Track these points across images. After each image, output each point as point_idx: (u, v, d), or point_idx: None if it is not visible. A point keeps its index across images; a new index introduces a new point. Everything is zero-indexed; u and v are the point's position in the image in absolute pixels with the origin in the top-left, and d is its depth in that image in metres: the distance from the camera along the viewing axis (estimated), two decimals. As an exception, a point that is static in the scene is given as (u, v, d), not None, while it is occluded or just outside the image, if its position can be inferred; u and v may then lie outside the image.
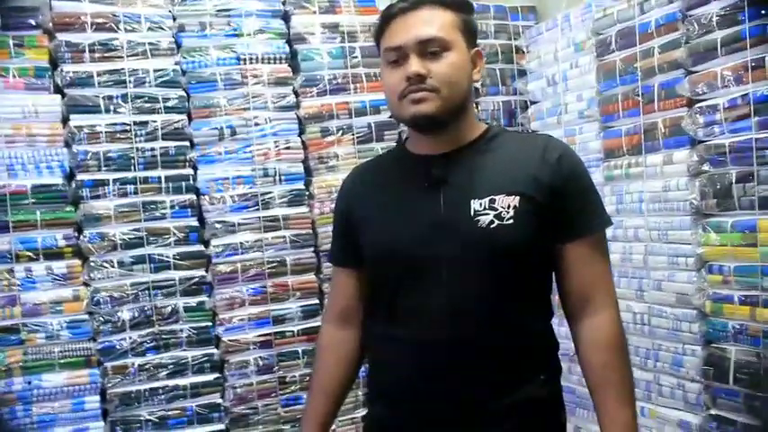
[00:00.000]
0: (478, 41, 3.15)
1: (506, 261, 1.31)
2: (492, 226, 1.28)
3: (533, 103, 3.18)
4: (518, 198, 1.30)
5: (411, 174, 1.39)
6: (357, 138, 2.91)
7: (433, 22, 1.31)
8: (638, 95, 2.55)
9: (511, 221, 1.29)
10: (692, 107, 2.34)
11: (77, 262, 2.55)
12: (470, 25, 1.38)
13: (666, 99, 2.45)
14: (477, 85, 3.18)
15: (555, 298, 1.44)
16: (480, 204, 1.30)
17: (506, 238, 1.29)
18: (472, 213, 1.30)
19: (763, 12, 2.08)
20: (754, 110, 2.12)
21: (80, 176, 2.56)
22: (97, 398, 2.55)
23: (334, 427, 1.57)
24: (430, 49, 1.30)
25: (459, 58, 1.33)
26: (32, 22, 2.51)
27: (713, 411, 2.32)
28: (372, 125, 2.93)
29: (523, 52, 3.21)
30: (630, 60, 2.58)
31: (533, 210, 1.30)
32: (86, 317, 2.55)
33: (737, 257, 2.21)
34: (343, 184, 1.56)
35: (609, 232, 2.64)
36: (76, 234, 2.56)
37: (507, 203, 1.29)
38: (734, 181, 2.19)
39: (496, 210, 1.29)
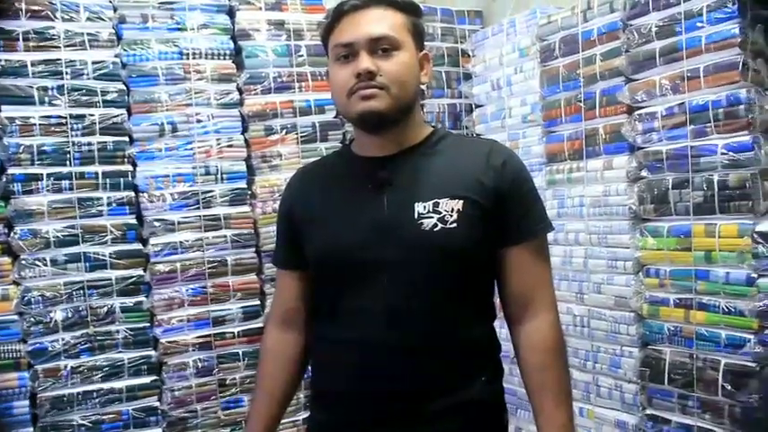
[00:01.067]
0: (425, 43, 3.17)
1: (448, 264, 1.32)
2: (435, 229, 1.29)
3: (478, 106, 3.21)
4: (462, 202, 1.31)
5: (355, 176, 1.39)
6: (301, 137, 2.87)
7: (384, 21, 1.32)
8: (581, 101, 2.61)
9: (454, 225, 1.29)
10: (631, 114, 2.40)
11: (7, 260, 2.45)
12: (419, 28, 1.39)
13: (607, 106, 2.51)
14: (423, 87, 3.17)
15: (497, 300, 1.45)
16: (424, 207, 1.30)
17: (449, 242, 1.30)
18: (416, 216, 1.30)
19: (699, 24, 2.16)
20: (689, 118, 2.19)
21: (11, 170, 2.45)
22: (26, 402, 2.45)
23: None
24: (380, 46, 1.30)
25: (409, 59, 1.33)
26: (-37, 8, 2.40)
27: (649, 411, 2.38)
28: (317, 125, 2.90)
29: (469, 56, 3.23)
30: (573, 67, 2.63)
31: (477, 214, 1.31)
32: (16, 317, 2.44)
33: (673, 261, 2.28)
34: (288, 186, 1.54)
35: (550, 236, 2.66)
36: (6, 230, 2.45)
37: (451, 207, 1.30)
38: (670, 187, 2.26)
39: (440, 213, 1.30)
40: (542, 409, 1.34)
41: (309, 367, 1.51)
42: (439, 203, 1.30)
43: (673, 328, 2.28)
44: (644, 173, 2.36)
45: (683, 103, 2.21)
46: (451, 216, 1.29)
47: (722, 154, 2.09)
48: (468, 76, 3.25)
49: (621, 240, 2.47)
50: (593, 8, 2.54)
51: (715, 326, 2.15)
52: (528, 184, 1.40)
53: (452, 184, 1.32)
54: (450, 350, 1.34)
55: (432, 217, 1.29)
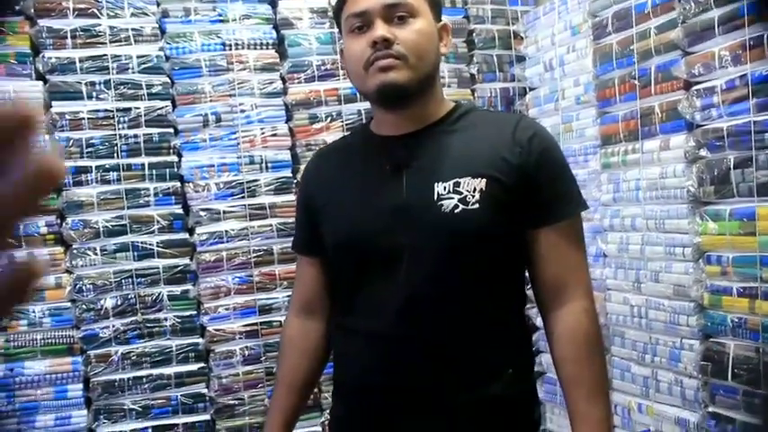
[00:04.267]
0: (475, 26, 3.08)
1: (470, 249, 1.24)
2: (456, 211, 1.21)
3: (532, 89, 3.09)
4: (484, 180, 1.22)
5: (373, 156, 1.32)
6: (346, 125, 2.84)
7: None
8: (635, 79, 2.46)
9: (476, 206, 1.21)
10: (688, 90, 2.24)
11: (60, 249, 2.53)
12: None
13: (663, 82, 2.35)
14: (474, 71, 3.10)
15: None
16: (444, 188, 1.22)
17: (471, 224, 1.21)
18: (435, 197, 1.22)
19: (760, -13, 1.98)
20: (752, 91, 2.01)
21: (62, 163, 2.54)
22: (80, 386, 2.53)
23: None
24: (397, 13, 1.24)
25: (427, 26, 1.27)
26: (14, 8, 2.50)
27: (711, 409, 2.22)
28: (363, 111, 2.86)
29: (521, 37, 3.12)
30: (627, 43, 2.49)
31: (501, 193, 1.23)
32: (69, 304, 2.53)
33: (736, 247, 2.11)
34: (306, 169, 1.51)
35: (605, 222, 2.58)
36: (59, 221, 2.54)
37: (473, 187, 1.22)
38: (732, 166, 2.09)
39: (461, 194, 1.22)
40: (576, 404, 1.25)
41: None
42: (460, 183, 1.22)
43: (736, 320, 2.11)
44: (703, 152, 2.19)
45: (744, 74, 2.03)
46: (473, 196, 1.21)
47: (789, 128, 1.92)
48: (520, 59, 3.13)
49: (680, 225, 2.31)
50: (647, -22, 2.39)
51: (782, 317, 1.98)
52: (558, 161, 1.31)
53: (475, 162, 1.24)
54: (474, 341, 1.26)
55: (452, 198, 1.22)
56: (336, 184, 1.37)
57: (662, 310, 2.40)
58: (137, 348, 2.60)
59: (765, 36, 1.97)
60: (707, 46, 2.17)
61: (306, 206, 1.43)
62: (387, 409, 1.28)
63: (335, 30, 2.85)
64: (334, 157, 1.45)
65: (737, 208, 2.10)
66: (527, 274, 1.35)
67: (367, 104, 2.82)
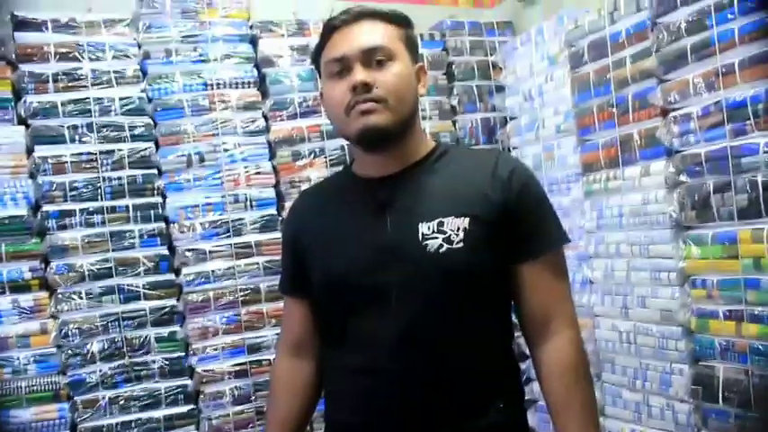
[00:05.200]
0: (453, 58, 3.12)
1: (457, 287, 1.24)
2: (441, 250, 1.22)
3: (512, 118, 3.12)
4: (467, 219, 1.24)
5: (357, 197, 1.33)
6: (330, 161, 2.86)
7: (376, 33, 1.28)
8: (613, 107, 2.50)
9: (461, 245, 1.22)
10: (666, 116, 2.28)
11: (44, 294, 2.51)
12: (413, 40, 1.35)
13: (641, 109, 2.40)
14: (454, 102, 3.13)
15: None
16: (428, 228, 1.23)
17: (456, 264, 1.23)
18: (420, 237, 1.23)
19: (730, 15, 2.03)
20: (727, 117, 2.05)
21: (45, 207, 2.53)
22: (67, 433, 2.49)
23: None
24: (375, 58, 1.25)
25: (405, 69, 1.28)
26: (-3, 55, 2.51)
27: (704, 432, 2.22)
28: (346, 147, 2.87)
29: (500, 68, 3.16)
30: (603, 71, 2.53)
31: (485, 231, 1.24)
32: (54, 350, 2.50)
33: (720, 270, 2.13)
34: (290, 210, 1.51)
35: (591, 249, 2.60)
36: (43, 266, 2.52)
37: (456, 226, 1.23)
38: (711, 191, 2.12)
39: (445, 233, 1.23)
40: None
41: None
42: (444, 222, 1.23)
43: (724, 343, 2.12)
44: (683, 177, 2.22)
45: (719, 101, 2.08)
46: (457, 235, 1.23)
47: (765, 152, 1.94)
48: (500, 89, 3.18)
49: (664, 250, 2.33)
50: (620, 8, 2.44)
51: (769, 339, 1.99)
52: (538, 195, 1.32)
53: (457, 201, 1.26)
54: (462, 376, 1.27)
55: (437, 237, 1.23)
56: (321, 224, 1.37)
57: (650, 335, 2.41)
58: (125, 392, 2.56)
59: (737, 63, 2.02)
60: (681, 73, 2.21)
61: (291, 246, 1.43)
62: None
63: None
64: (318, 198, 1.46)
65: (719, 232, 2.12)
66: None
67: (350, 139, 2.86)
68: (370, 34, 1.27)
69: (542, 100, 2.89)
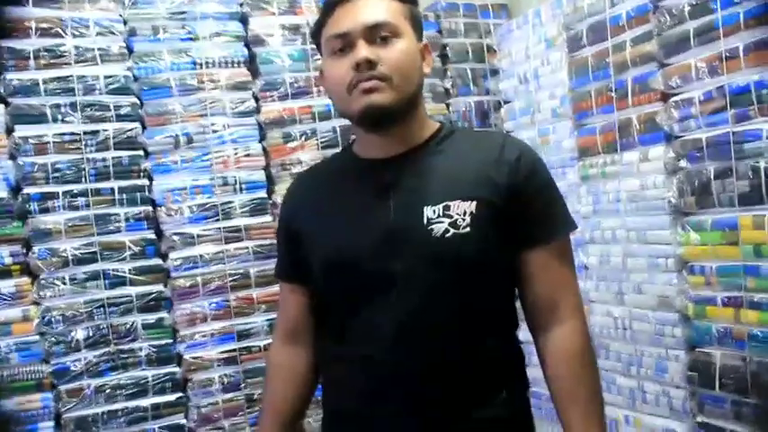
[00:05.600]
0: (448, 40, 3.08)
1: (462, 273, 1.20)
2: (447, 235, 1.18)
3: (506, 102, 3.10)
4: (474, 203, 1.19)
5: (358, 179, 1.28)
6: (321, 143, 2.80)
7: (380, 8, 1.22)
8: (612, 91, 2.48)
9: (467, 229, 1.18)
10: (666, 101, 2.27)
11: (26, 280, 2.43)
12: (418, 17, 1.29)
13: (640, 94, 2.38)
14: (448, 85, 3.09)
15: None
16: (434, 211, 1.19)
17: (462, 249, 1.18)
18: (425, 221, 1.19)
19: (735, 0, 2.00)
20: (730, 102, 2.04)
21: (27, 190, 2.43)
22: (51, 423, 2.42)
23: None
24: (379, 34, 1.20)
25: (410, 47, 1.23)
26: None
27: (700, 419, 2.24)
28: (338, 129, 2.83)
29: (495, 51, 3.12)
30: (602, 55, 2.51)
31: (491, 215, 1.20)
32: (37, 338, 2.42)
33: (719, 257, 2.13)
34: (287, 193, 1.45)
35: (586, 234, 2.59)
36: (24, 251, 2.43)
37: (463, 210, 1.19)
38: (712, 177, 2.12)
39: (451, 217, 1.18)
40: (571, 423, 1.23)
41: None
42: (450, 206, 1.19)
43: (722, 329, 2.13)
44: (683, 163, 2.22)
45: (721, 86, 2.06)
46: (464, 219, 1.18)
47: (768, 138, 1.93)
48: (494, 72, 3.15)
49: (662, 236, 2.32)
50: (621, -9, 2.41)
51: (769, 326, 1.99)
52: (546, 180, 1.28)
53: (463, 184, 1.21)
54: (467, 366, 1.23)
55: (442, 221, 1.18)
56: (320, 208, 1.32)
57: (646, 321, 2.41)
58: (110, 381, 2.50)
59: (741, 47, 2.00)
60: (683, 57, 2.20)
61: (288, 231, 1.38)
62: None
63: (308, 46, 2.82)
64: (317, 181, 1.40)
65: (719, 218, 2.12)
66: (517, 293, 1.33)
67: (342, 121, 2.80)
68: (375, 10, 1.22)
69: (538, 83, 2.86)
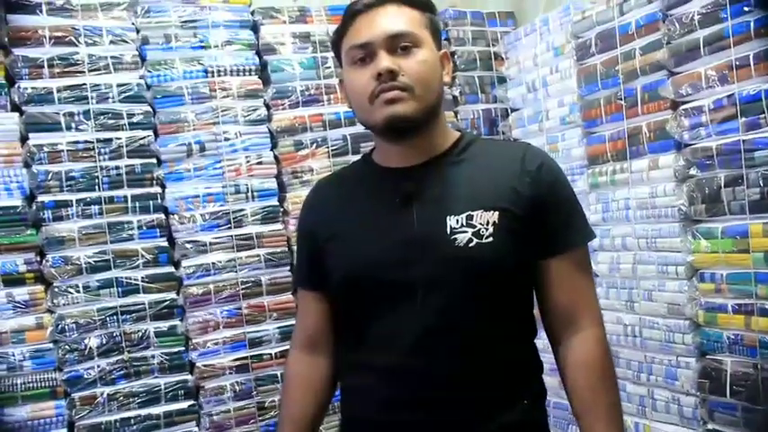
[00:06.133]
0: (456, 48, 3.10)
1: (485, 282, 1.22)
2: (470, 245, 1.19)
3: (514, 110, 3.11)
4: (497, 213, 1.21)
5: (380, 188, 1.30)
6: (332, 150, 2.81)
7: (401, 18, 1.24)
8: (621, 99, 2.49)
9: (490, 239, 1.20)
10: (676, 109, 2.28)
11: (40, 288, 2.43)
12: (436, 25, 1.31)
13: (650, 102, 2.39)
14: (456, 93, 3.10)
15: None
16: (457, 221, 1.21)
17: (486, 259, 1.20)
18: (449, 231, 1.20)
19: (745, 8, 2.02)
20: (740, 110, 2.05)
21: (41, 198, 2.44)
22: (64, 431, 2.41)
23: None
24: (400, 44, 1.21)
25: (431, 56, 1.25)
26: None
27: (710, 426, 2.24)
28: (348, 137, 2.83)
29: (502, 59, 3.14)
30: (611, 63, 2.52)
31: (514, 225, 1.22)
32: (51, 345, 2.42)
33: (729, 264, 2.13)
34: (306, 201, 1.46)
35: (596, 242, 2.60)
36: (38, 258, 2.43)
37: (486, 220, 1.21)
38: (722, 185, 2.12)
39: (475, 227, 1.20)
40: (592, 430, 1.24)
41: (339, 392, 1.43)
42: (473, 216, 1.21)
43: (733, 337, 2.13)
44: (693, 171, 2.22)
45: (732, 94, 2.07)
46: (487, 229, 1.20)
47: (778, 147, 1.94)
48: (502, 80, 3.16)
49: (672, 244, 2.33)
50: (630, 0, 2.42)
51: (780, 333, 2.00)
52: (567, 190, 1.31)
53: (486, 195, 1.23)
54: (489, 374, 1.24)
55: (466, 231, 1.20)
56: (342, 216, 1.33)
57: (656, 328, 2.41)
58: (123, 388, 2.50)
59: (751, 56, 2.01)
60: (693, 66, 2.21)
61: (308, 239, 1.39)
62: None
63: (319, 55, 2.83)
64: (338, 189, 1.41)
65: (729, 226, 2.12)
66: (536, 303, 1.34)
67: (352, 129, 2.82)
68: (395, 19, 1.23)
69: (547, 91, 2.87)
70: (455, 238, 1.20)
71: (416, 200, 1.24)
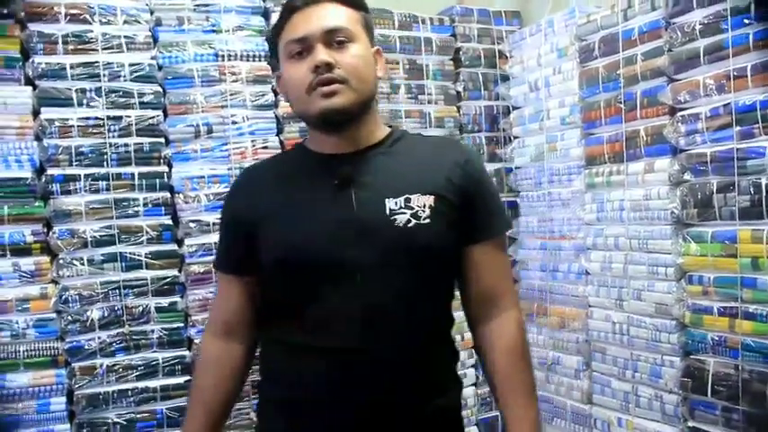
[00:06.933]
0: (461, 44, 3.13)
1: (424, 262, 1.30)
2: (409, 225, 1.27)
3: (515, 108, 3.16)
4: (433, 198, 1.29)
5: (315, 173, 1.34)
6: (336, 138, 2.85)
7: (337, 14, 1.30)
8: (621, 103, 2.54)
9: (428, 221, 1.28)
10: (674, 115, 2.33)
11: (46, 259, 2.46)
12: (370, 23, 1.38)
13: (649, 107, 2.44)
14: (459, 88, 3.14)
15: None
16: (395, 203, 1.28)
17: (425, 238, 1.28)
18: (388, 212, 1.27)
19: (746, 21, 2.08)
20: (735, 119, 2.11)
21: (50, 171, 2.47)
22: (63, 399, 2.46)
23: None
24: (336, 39, 1.28)
25: (365, 51, 1.32)
26: (3, 11, 2.42)
27: (691, 423, 2.31)
28: (352, 125, 2.87)
29: (506, 57, 3.19)
30: (613, 67, 2.57)
31: (448, 210, 1.30)
32: (54, 315, 2.46)
33: (717, 268, 2.20)
34: (235, 185, 1.50)
35: (589, 241, 2.66)
36: (45, 230, 2.47)
37: (423, 203, 1.29)
38: (715, 191, 2.19)
39: (413, 209, 1.28)
40: (514, 408, 1.35)
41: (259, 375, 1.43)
42: (410, 199, 1.28)
43: (717, 338, 2.21)
44: (687, 176, 2.29)
45: (728, 103, 2.14)
46: (424, 212, 1.28)
47: (770, 156, 2.00)
48: (505, 78, 3.20)
49: (663, 246, 2.40)
50: (635, 6, 2.48)
51: (763, 336, 2.07)
52: (489, 181, 1.44)
53: (421, 181, 1.31)
54: (427, 355, 1.33)
55: (404, 213, 1.27)
56: (277, 198, 1.35)
57: (644, 327, 2.48)
58: (122, 361, 2.54)
59: (749, 67, 2.07)
60: (692, 74, 2.26)
61: (236, 223, 1.39)
62: (337, 424, 1.29)
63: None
64: (268, 174, 1.44)
65: (719, 231, 2.19)
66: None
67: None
68: (332, 15, 1.29)
69: (548, 91, 2.92)
70: (394, 219, 1.27)
71: (354, 184, 1.29)
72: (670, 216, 2.35)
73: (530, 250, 3.06)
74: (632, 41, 2.49)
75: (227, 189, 2.61)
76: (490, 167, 3.17)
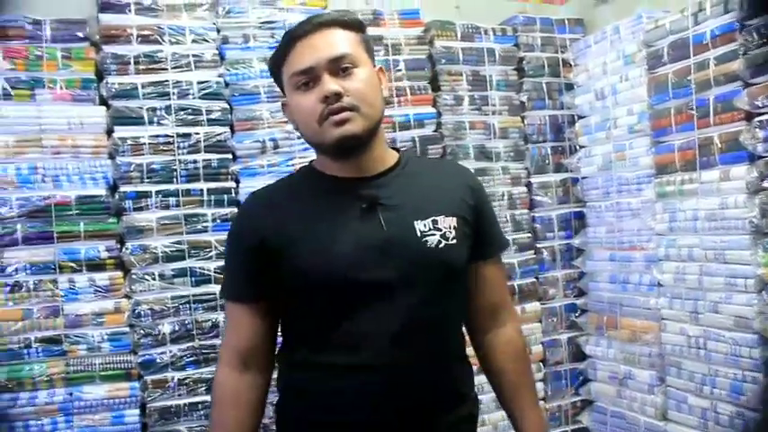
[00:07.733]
0: (524, 54, 3.09)
1: (452, 281, 1.35)
2: (440, 246, 1.32)
3: (581, 117, 3.10)
4: (455, 219, 1.35)
5: (338, 196, 1.33)
6: (400, 153, 2.85)
7: (339, 41, 1.30)
8: (692, 109, 2.47)
9: (455, 241, 1.33)
10: (750, 121, 2.25)
11: (119, 274, 2.53)
12: (369, 43, 1.39)
13: (722, 113, 2.37)
14: (524, 98, 3.11)
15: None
16: (425, 225, 1.32)
17: (454, 258, 1.34)
18: (419, 234, 1.30)
19: (828, 20, 2.00)
20: (817, 123, 2.03)
21: (123, 188, 2.54)
22: (137, 411, 2.51)
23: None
24: (341, 66, 1.28)
25: (370, 74, 1.32)
26: (80, 35, 2.52)
27: (775, 442, 2.21)
28: (416, 139, 2.87)
29: (571, 65, 3.13)
30: (684, 73, 2.50)
31: (467, 230, 1.37)
32: (127, 329, 2.53)
33: (800, 279, 2.11)
34: (245, 212, 1.47)
35: (661, 252, 2.58)
36: (119, 246, 2.54)
37: (449, 224, 1.33)
38: (797, 199, 2.09)
39: (441, 230, 1.33)
40: (523, 410, 1.46)
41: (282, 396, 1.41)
42: (437, 221, 1.32)
43: (802, 352, 2.10)
44: (766, 183, 2.20)
45: (809, 107, 2.05)
46: (450, 233, 1.33)
47: None
48: (569, 87, 3.15)
49: (741, 256, 2.31)
50: (706, 9, 2.41)
51: None
52: (490, 201, 1.55)
53: (444, 203, 1.36)
54: (454, 367, 1.40)
55: (434, 234, 1.31)
56: (300, 223, 1.32)
57: (722, 341, 2.39)
58: (193, 374, 2.58)
59: (832, 69, 1.99)
60: (770, 78, 2.18)
61: (254, 249, 1.33)
62: None
63: (390, 57, 2.88)
64: (282, 198, 1.40)
65: (802, 240, 2.10)
66: None
67: (420, 131, 2.87)
68: (334, 43, 1.29)
69: (615, 99, 2.86)
70: (426, 240, 1.31)
71: (380, 206, 1.31)
72: (748, 225, 2.27)
73: (598, 261, 2.99)
74: (704, 46, 2.42)
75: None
76: (556, 177, 3.13)
